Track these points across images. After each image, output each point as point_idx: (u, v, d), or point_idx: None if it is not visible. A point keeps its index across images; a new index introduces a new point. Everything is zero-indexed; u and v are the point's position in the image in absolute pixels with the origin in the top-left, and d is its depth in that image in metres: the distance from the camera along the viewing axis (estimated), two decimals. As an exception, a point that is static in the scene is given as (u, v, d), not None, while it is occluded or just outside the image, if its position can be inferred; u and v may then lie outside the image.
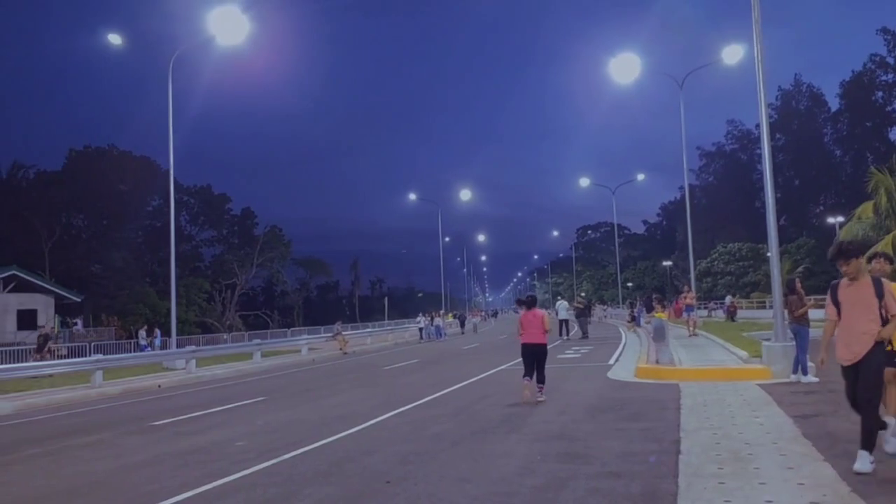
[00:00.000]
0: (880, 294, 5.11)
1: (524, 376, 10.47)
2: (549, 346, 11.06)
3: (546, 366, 10.63)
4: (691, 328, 22.42)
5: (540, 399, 10.16)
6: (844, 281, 5.25)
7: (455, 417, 9.19)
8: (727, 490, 4.82)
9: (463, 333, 43.68)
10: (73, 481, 6.64)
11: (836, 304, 5.25)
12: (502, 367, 16.51)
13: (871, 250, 6.10)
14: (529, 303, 11.14)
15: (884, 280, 5.23)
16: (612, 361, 16.37)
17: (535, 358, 10.54)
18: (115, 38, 26.67)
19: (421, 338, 37.27)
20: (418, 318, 40.92)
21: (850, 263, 5.17)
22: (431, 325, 38.66)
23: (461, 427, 8.42)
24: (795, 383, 10.29)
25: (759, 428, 7.06)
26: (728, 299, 41.66)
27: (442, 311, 46.05)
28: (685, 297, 24.80)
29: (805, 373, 10.40)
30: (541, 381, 10.43)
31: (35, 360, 21.16)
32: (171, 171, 25.26)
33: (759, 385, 10.35)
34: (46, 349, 22.43)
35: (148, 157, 57.63)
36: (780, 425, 7.11)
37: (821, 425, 7.02)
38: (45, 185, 52.60)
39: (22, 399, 14.71)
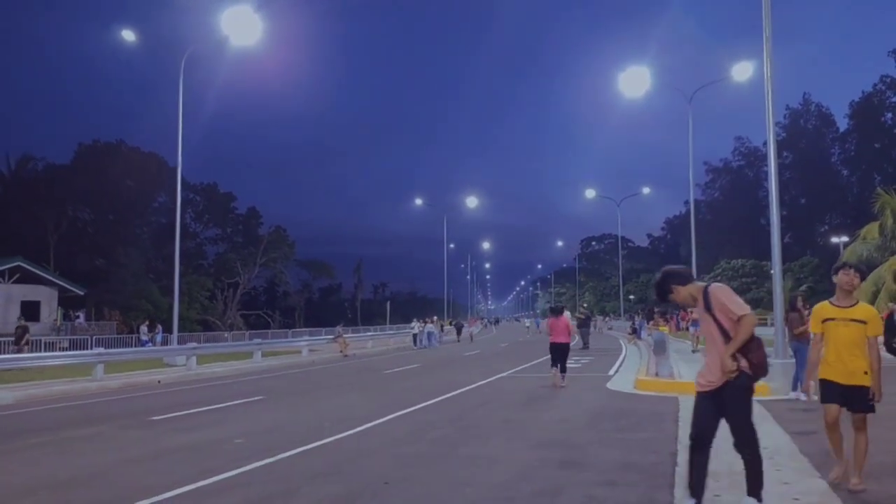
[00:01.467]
0: (708, 308, 4.20)
1: (552, 366, 13.69)
2: (549, 357, 13.76)
3: (550, 374, 13.45)
4: (696, 343, 22.20)
5: (562, 385, 13.17)
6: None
7: (455, 422, 9.21)
8: (722, 502, 4.84)
9: (459, 341, 42.57)
10: (73, 472, 6.68)
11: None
12: (503, 374, 16.52)
13: (840, 261, 5.93)
14: (558, 311, 14.57)
15: (713, 289, 4.22)
16: (612, 372, 16.37)
17: (560, 353, 13.60)
18: (128, 35, 26.86)
19: (414, 344, 35.88)
20: (412, 324, 39.52)
21: (677, 292, 4.37)
22: (424, 331, 37.06)
23: (460, 432, 8.45)
24: (794, 400, 10.29)
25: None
26: None
27: (436, 318, 45.13)
28: (692, 311, 24.64)
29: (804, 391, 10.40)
30: (563, 370, 13.50)
31: (13, 351, 21.22)
32: (179, 169, 25.42)
33: (758, 401, 10.32)
34: (24, 341, 22.37)
35: (156, 154, 57.90)
36: (777, 441, 7.12)
37: (818, 443, 7.01)
38: (53, 178, 52.83)
39: (23, 389, 14.77)
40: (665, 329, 14.47)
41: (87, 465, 7.01)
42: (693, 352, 21.24)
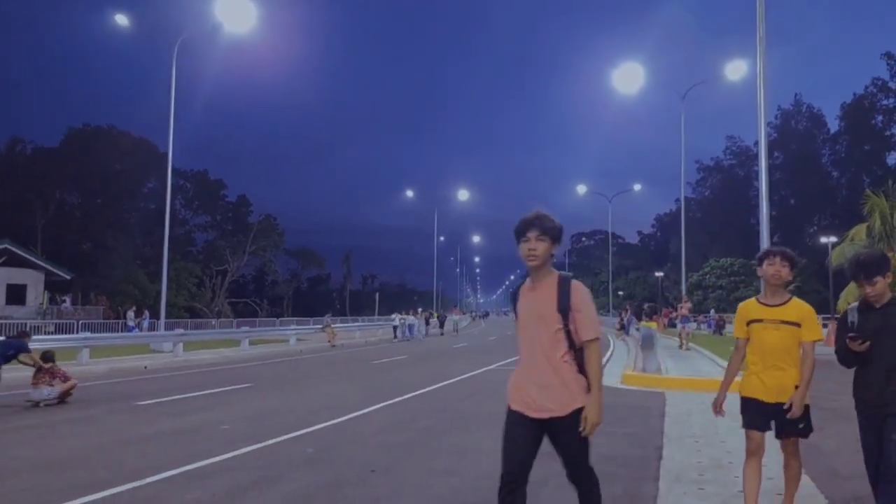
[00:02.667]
0: (565, 302, 3.20)
1: None
2: None
3: None
4: (684, 341, 21.66)
5: None
6: (527, 282, 3.39)
7: (441, 413, 9.23)
8: (706, 495, 4.89)
9: (442, 334, 41.86)
10: (58, 455, 6.64)
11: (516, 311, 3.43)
12: (491, 367, 16.57)
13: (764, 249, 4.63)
14: None
15: (576, 283, 3.28)
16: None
17: None
18: (121, 19, 26.59)
19: (395, 336, 34.71)
20: (393, 316, 38.17)
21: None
22: (405, 323, 36.13)
23: (447, 422, 8.47)
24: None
25: (742, 438, 7.12)
26: (712, 313, 41.97)
27: (420, 310, 44.49)
28: (682, 307, 24.48)
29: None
30: None
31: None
32: (170, 155, 25.23)
33: (744, 398, 10.45)
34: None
35: (146, 139, 57.45)
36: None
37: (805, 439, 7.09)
38: (41, 161, 52.32)
39: (7, 372, 14.64)
40: (655, 325, 14.54)
41: (71, 449, 6.98)
42: (680, 348, 21.24)
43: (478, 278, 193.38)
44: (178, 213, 62.91)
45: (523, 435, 3.30)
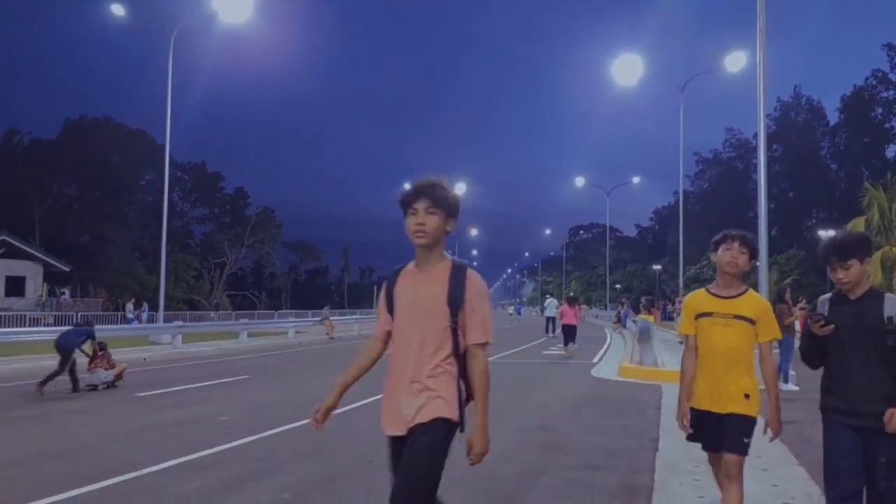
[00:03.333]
0: (458, 294, 2.61)
1: (565, 344, 18.23)
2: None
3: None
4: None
5: (570, 354, 17.41)
6: (411, 266, 2.76)
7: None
8: (701, 486, 4.92)
9: None
10: (56, 445, 6.67)
11: (390, 307, 2.78)
12: (487, 359, 16.60)
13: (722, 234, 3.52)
14: (571, 300, 19.85)
15: (472, 273, 2.69)
16: (596, 360, 16.50)
17: (570, 332, 18.28)
18: (118, 9, 26.46)
19: None
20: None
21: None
22: None
23: (444, 414, 8.49)
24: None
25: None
26: None
27: None
28: (680, 302, 24.52)
29: (786, 381, 10.53)
30: (573, 342, 18.24)
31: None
32: (168, 147, 25.17)
33: (741, 390, 10.49)
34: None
35: (143, 131, 57.27)
36: (758, 429, 7.21)
37: (798, 431, 7.12)
38: (39, 153, 52.18)
39: (5, 364, 14.69)
40: (651, 318, 14.57)
41: (70, 439, 7.00)
42: (680, 343, 21.04)
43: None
44: (175, 205, 62.82)
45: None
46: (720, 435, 3.37)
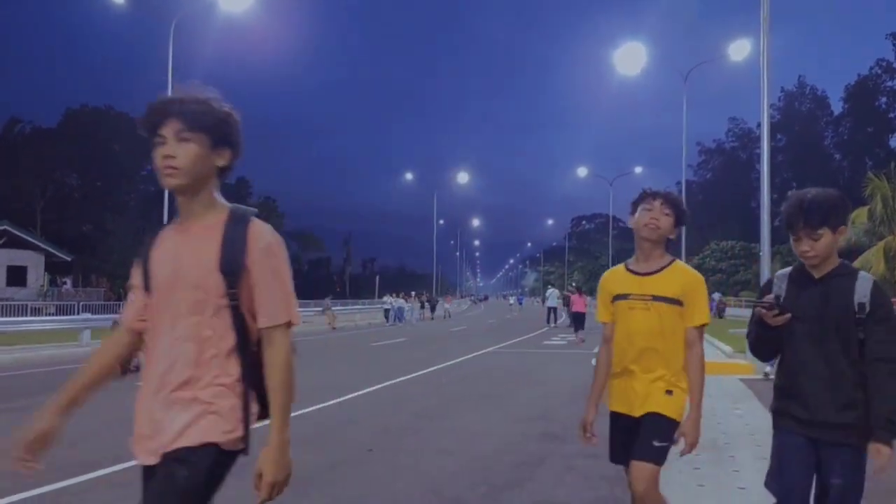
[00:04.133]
0: (234, 256, 1.83)
1: (575, 331, 19.66)
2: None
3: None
4: None
5: (582, 340, 18.27)
6: (172, 225, 1.98)
7: (439, 395, 9.26)
8: (702, 475, 4.90)
9: (433, 319, 40.08)
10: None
11: (146, 282, 1.92)
12: (489, 349, 16.62)
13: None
14: (579, 290, 21.44)
15: (259, 225, 1.87)
16: (597, 349, 16.49)
17: (578, 319, 19.73)
18: (117, -3, 26.28)
19: (386, 320, 32.84)
20: (385, 298, 35.49)
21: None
22: (395, 306, 33.80)
23: (444, 404, 8.49)
24: (768, 374, 10.39)
25: (739, 420, 7.16)
26: (717, 296, 41.96)
27: (414, 293, 43.22)
28: None
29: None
30: (581, 328, 19.51)
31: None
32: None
33: (741, 379, 10.47)
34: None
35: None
36: (758, 418, 7.20)
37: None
38: (40, 142, 52.15)
39: (8, 353, 14.71)
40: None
41: (70, 427, 6.93)
42: None
43: (477, 262, 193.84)
44: (177, 195, 62.75)
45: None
46: (634, 440, 2.74)
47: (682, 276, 2.76)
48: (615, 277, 2.92)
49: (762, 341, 2.61)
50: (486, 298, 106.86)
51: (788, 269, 2.64)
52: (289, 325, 1.86)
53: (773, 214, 18.84)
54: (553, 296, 29.55)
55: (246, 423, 1.87)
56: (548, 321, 27.58)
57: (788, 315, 2.45)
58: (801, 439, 2.48)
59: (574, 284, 40.97)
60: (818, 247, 2.42)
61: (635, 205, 2.86)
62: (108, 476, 5.07)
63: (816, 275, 2.50)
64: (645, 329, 2.73)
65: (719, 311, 36.95)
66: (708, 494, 4.49)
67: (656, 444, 2.67)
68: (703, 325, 2.78)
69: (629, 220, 2.92)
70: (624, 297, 2.81)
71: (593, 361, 2.97)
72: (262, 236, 1.85)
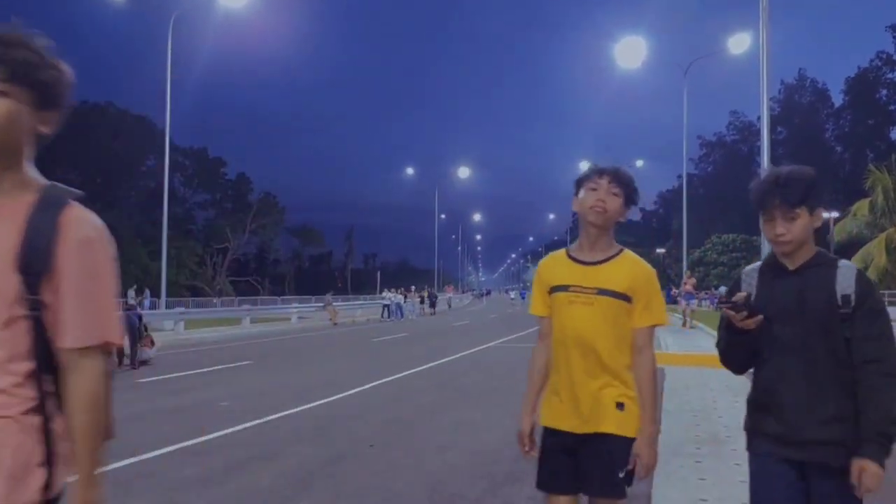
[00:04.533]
0: (38, 248, 1.37)
1: None
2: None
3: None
4: (688, 319, 20.20)
5: None
6: None
7: (440, 389, 9.26)
8: (703, 468, 4.89)
9: (434, 314, 38.41)
10: (57, 431, 6.66)
11: None
12: (490, 344, 16.62)
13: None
14: None
15: (74, 212, 1.46)
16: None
17: None
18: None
19: (382, 317, 31.85)
20: (383, 294, 35.05)
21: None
22: (393, 302, 33.03)
23: (446, 398, 8.49)
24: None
25: (739, 413, 7.12)
26: (723, 290, 41.87)
27: (413, 288, 42.69)
28: (685, 284, 23.27)
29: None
30: None
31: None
32: (168, 132, 25.08)
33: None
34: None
35: (144, 116, 57.15)
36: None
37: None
38: (39, 139, 52.17)
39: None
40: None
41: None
42: (683, 326, 20.19)
43: (479, 256, 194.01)
44: (177, 191, 62.83)
45: None
46: (580, 468, 2.31)
47: (632, 268, 2.37)
48: (554, 265, 2.48)
49: (733, 348, 2.22)
50: (488, 293, 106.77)
51: (758, 263, 2.30)
52: (105, 347, 1.41)
53: (774, 207, 18.85)
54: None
55: (52, 469, 1.39)
56: None
57: (760, 317, 2.08)
58: (782, 466, 2.07)
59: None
60: (794, 229, 2.06)
61: (579, 184, 2.45)
62: (104, 475, 5.06)
63: (791, 266, 2.13)
64: (586, 327, 2.31)
65: (720, 304, 36.87)
66: (709, 487, 4.49)
67: (620, 475, 2.26)
68: (654, 326, 2.37)
69: (572, 203, 2.47)
70: (563, 288, 2.38)
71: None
72: (80, 227, 1.42)
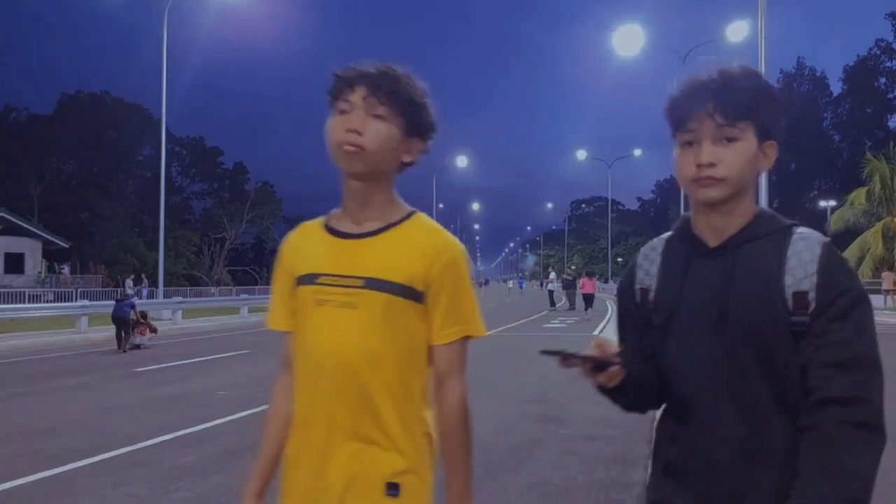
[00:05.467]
0: None
1: (586, 309, 22.65)
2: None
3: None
4: None
5: (588, 318, 20.98)
6: None
7: (437, 378, 9.27)
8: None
9: None
10: (54, 421, 6.66)
11: None
12: (488, 332, 16.62)
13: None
14: (590, 274, 25.31)
15: None
16: (596, 332, 16.51)
17: (589, 299, 23.06)
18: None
19: None
20: None
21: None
22: None
23: (442, 387, 8.50)
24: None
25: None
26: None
27: None
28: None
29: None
30: (591, 307, 22.89)
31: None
32: (164, 121, 24.97)
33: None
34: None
35: (141, 106, 56.85)
36: None
37: None
38: (36, 129, 51.90)
39: (5, 340, 14.71)
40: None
41: (67, 415, 7.00)
42: None
43: (477, 246, 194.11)
44: (174, 180, 62.62)
45: None
46: None
47: (424, 243, 1.39)
48: (304, 241, 1.51)
49: (615, 397, 1.41)
50: (486, 283, 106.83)
51: (666, 235, 1.40)
52: None
53: (772, 196, 18.80)
54: (553, 279, 29.83)
55: None
56: (551, 304, 27.88)
57: (621, 375, 1.29)
58: None
59: (573, 267, 41.11)
60: (731, 158, 1.23)
61: (334, 97, 1.40)
62: (99, 463, 5.06)
63: (712, 240, 1.27)
64: (346, 346, 1.37)
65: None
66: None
67: None
68: (466, 339, 1.50)
69: (327, 135, 1.40)
70: (310, 279, 1.42)
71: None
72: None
